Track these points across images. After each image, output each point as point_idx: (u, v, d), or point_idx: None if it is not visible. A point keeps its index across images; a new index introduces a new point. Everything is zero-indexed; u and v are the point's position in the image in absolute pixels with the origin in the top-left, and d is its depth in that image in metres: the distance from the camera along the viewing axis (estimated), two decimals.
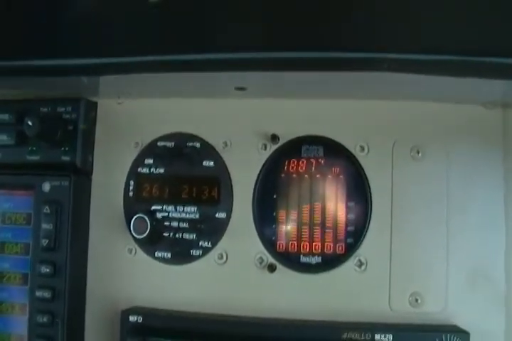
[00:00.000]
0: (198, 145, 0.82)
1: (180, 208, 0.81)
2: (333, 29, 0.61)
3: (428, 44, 0.59)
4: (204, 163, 0.81)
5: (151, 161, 0.83)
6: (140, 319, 0.76)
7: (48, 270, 0.79)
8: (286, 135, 0.80)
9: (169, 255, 0.81)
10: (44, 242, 0.79)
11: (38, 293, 0.79)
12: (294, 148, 0.80)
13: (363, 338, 0.71)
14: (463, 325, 0.72)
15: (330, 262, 0.77)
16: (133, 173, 0.84)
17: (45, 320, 0.78)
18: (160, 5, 0.64)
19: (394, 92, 0.76)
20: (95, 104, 0.85)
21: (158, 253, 0.81)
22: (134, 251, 0.82)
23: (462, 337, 0.70)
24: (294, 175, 0.80)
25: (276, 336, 0.73)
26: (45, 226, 0.80)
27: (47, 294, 0.79)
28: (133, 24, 0.65)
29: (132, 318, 0.77)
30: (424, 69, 0.61)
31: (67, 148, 0.81)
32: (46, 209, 0.80)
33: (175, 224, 0.81)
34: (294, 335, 0.73)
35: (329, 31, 0.61)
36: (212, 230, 0.80)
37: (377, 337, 0.71)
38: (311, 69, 0.64)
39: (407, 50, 0.59)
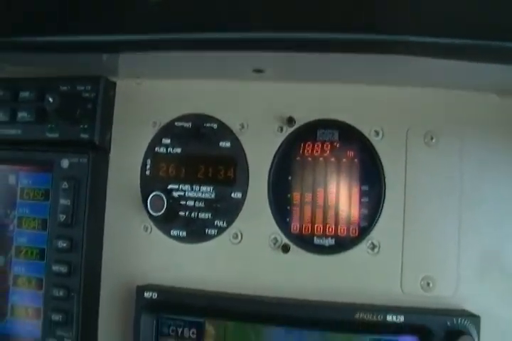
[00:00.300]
0: (215, 126, 0.83)
1: (196, 187, 0.82)
2: (352, 10, 0.61)
3: (445, 27, 0.59)
4: (221, 143, 0.82)
5: (168, 141, 0.84)
6: (155, 295, 0.78)
7: (64, 245, 0.80)
8: (302, 118, 0.80)
9: (184, 233, 0.82)
10: (61, 218, 0.81)
11: (55, 268, 0.81)
12: (310, 131, 0.81)
13: (375, 319, 0.72)
14: (473, 310, 0.73)
15: (343, 244, 0.78)
16: (150, 152, 0.85)
17: (61, 294, 0.80)
18: None
19: (409, 79, 0.77)
20: (114, 84, 0.86)
21: (173, 232, 0.82)
22: (149, 229, 0.83)
23: (473, 320, 0.71)
24: (309, 158, 0.80)
25: (289, 315, 0.74)
26: (63, 201, 0.81)
27: (63, 269, 0.80)
28: (152, 2, 0.66)
29: (147, 294, 0.78)
30: (441, 52, 0.62)
31: (86, 126, 0.82)
32: (64, 185, 0.81)
33: (191, 203, 0.82)
34: (306, 314, 0.74)
35: (348, 12, 0.61)
36: (227, 210, 0.81)
37: (389, 317, 0.71)
38: (328, 50, 0.65)
39: (425, 33, 0.60)
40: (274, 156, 0.81)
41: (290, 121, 0.80)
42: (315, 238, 0.79)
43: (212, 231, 0.81)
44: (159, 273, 0.82)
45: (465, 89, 0.78)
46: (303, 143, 0.80)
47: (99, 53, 0.74)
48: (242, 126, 0.82)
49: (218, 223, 0.81)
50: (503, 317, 0.74)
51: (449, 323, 0.71)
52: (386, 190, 0.78)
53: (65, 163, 0.83)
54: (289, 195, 0.80)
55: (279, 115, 0.80)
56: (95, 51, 0.72)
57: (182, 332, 0.78)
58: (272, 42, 0.64)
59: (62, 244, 0.80)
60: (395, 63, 0.69)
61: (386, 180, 0.78)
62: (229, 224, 0.81)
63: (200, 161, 0.82)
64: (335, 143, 0.80)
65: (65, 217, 0.81)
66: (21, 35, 0.71)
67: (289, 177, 0.80)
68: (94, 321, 0.83)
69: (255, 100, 0.82)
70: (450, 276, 0.76)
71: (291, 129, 0.81)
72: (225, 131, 0.82)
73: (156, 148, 0.84)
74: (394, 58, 0.64)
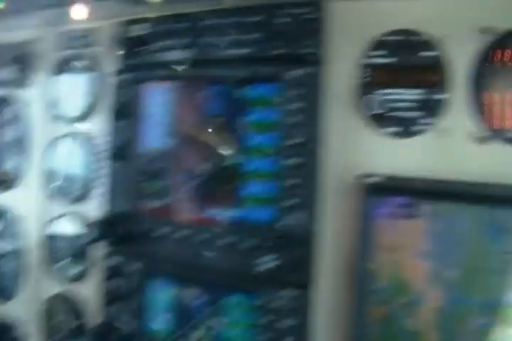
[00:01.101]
0: (420, 38, 0.96)
1: (405, 91, 0.96)
2: None
3: None
4: (425, 53, 0.95)
5: (377, 53, 0.98)
6: (375, 180, 0.94)
7: (296, 141, 0.98)
8: (501, 26, 0.91)
9: (396, 130, 0.97)
10: (291, 120, 0.99)
11: (286, 162, 0.99)
12: (508, 38, 0.91)
13: None
14: None
15: None
16: (362, 64, 1.00)
17: (292, 183, 0.98)
18: None
19: None
20: (329, 6, 1.01)
21: (386, 130, 0.98)
22: (364, 127, 0.99)
23: None
24: (508, 63, 0.91)
25: (488, 195, 0.88)
26: (291, 106, 0.99)
27: (294, 161, 0.98)
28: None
29: (368, 180, 0.94)
30: None
31: (306, 43, 0.99)
32: (293, 92, 0.99)
33: (401, 104, 0.97)
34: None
35: None
36: (432, 110, 0.95)
37: None
38: None
39: None
40: (473, 62, 0.93)
41: (488, 30, 0.91)
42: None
43: (419, 128, 0.96)
44: (375, 165, 0.97)
45: None
46: (500, 50, 0.92)
47: None
48: (445, 37, 0.94)
49: (424, 121, 0.95)
50: None
51: None
52: None
53: (290, 75, 0.99)
54: (485, 95, 0.92)
55: (478, 24, 0.92)
56: None
57: (400, 212, 0.94)
58: None
59: (293, 140, 0.98)
60: None
61: None
62: (434, 121, 0.95)
63: (408, 69, 0.96)
64: None
65: (294, 119, 0.98)
66: None
67: (487, 80, 0.92)
68: (320, 205, 1.00)
69: (456, 12, 0.94)
70: None
71: (489, 37, 0.92)
72: (429, 41, 0.95)
73: (368, 60, 0.99)
74: None
